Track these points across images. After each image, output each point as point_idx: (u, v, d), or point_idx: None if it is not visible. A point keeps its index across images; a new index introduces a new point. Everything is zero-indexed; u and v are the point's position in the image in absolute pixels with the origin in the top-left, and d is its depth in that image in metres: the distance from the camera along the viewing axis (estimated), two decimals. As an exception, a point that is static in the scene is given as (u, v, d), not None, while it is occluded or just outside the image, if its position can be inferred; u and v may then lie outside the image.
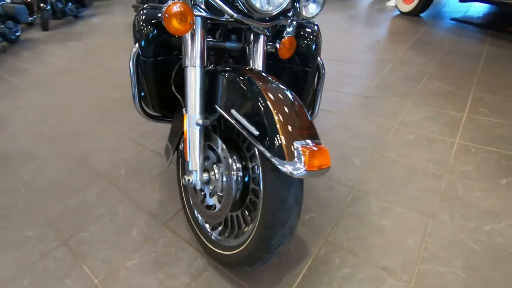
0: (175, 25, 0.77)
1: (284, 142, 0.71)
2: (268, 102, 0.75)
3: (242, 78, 0.83)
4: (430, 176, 1.35)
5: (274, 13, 0.89)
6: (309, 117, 0.79)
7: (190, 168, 0.91)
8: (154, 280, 1.04)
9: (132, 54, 1.11)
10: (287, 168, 0.69)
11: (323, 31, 3.52)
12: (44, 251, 1.20)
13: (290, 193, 0.78)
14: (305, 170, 0.68)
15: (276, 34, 1.12)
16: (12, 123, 2.30)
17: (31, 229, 1.31)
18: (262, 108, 0.75)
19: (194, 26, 0.85)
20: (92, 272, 1.09)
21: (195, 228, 1.13)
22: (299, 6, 0.96)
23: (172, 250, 1.14)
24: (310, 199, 1.30)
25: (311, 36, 1.18)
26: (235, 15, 0.86)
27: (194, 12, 0.84)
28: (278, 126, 0.72)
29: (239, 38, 1.12)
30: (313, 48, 1.17)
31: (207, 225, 1.09)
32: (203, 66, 0.89)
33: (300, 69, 1.21)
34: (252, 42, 1.01)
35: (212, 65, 1.32)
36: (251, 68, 0.95)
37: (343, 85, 2.26)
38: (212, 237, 1.05)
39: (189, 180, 0.91)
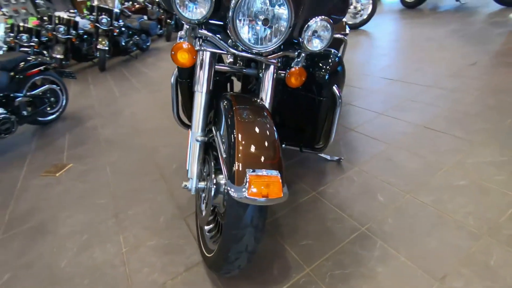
0: (180, 59, 0.97)
1: (238, 168, 0.81)
2: (239, 133, 0.86)
3: (230, 107, 0.95)
4: (464, 232, 1.15)
5: (269, 50, 0.98)
6: (276, 150, 0.86)
7: (188, 175, 1.09)
8: (160, 262, 1.27)
9: (173, 75, 1.38)
10: (232, 191, 0.78)
11: (413, 48, 3.20)
12: (103, 218, 1.59)
13: (246, 214, 0.86)
14: (245, 196, 0.76)
15: (288, 62, 1.18)
16: (122, 116, 3.00)
17: (102, 198, 1.75)
18: (233, 138, 0.86)
19: (203, 58, 1.03)
20: (124, 242, 1.41)
21: (198, 227, 1.31)
22: (302, 41, 1.02)
23: (181, 242, 1.35)
24: (313, 224, 1.30)
25: (327, 66, 1.20)
26: (234, 51, 0.99)
27: (203, 47, 1.01)
28: (238, 154, 0.82)
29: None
30: (327, 77, 1.18)
31: (206, 227, 1.26)
32: (208, 92, 1.06)
33: (313, 97, 1.24)
34: (263, 70, 1.11)
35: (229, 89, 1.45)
36: (250, 98, 1.04)
37: (404, 112, 2.05)
38: (206, 237, 1.21)
39: (185, 185, 1.09)
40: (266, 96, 1.10)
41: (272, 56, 1.06)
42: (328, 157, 1.71)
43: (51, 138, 2.81)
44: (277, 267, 1.15)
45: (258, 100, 1.05)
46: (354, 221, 1.29)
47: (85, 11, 6.19)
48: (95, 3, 5.25)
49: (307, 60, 1.27)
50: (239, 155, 0.82)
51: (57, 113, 3.25)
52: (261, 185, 0.77)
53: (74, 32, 5.30)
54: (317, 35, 1.03)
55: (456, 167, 1.48)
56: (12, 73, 2.70)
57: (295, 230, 1.30)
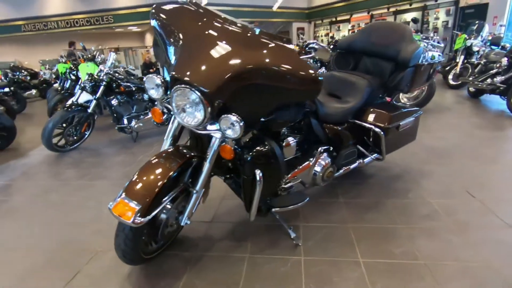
0: (154, 119, 1.38)
1: (120, 193, 1.24)
2: (138, 172, 1.30)
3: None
4: None
5: (200, 127, 1.24)
6: (150, 190, 1.22)
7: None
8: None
9: None
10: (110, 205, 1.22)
11: (434, 158, 3.02)
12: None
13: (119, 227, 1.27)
14: (109, 207, 1.21)
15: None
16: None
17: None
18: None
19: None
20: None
21: None
22: (220, 129, 1.22)
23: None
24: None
25: (252, 150, 1.37)
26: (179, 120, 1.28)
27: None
28: (127, 185, 1.26)
29: None
30: (249, 159, 1.37)
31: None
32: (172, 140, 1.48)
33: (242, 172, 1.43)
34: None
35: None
36: (178, 152, 1.42)
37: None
38: None
39: None
40: (210, 154, 1.31)
41: (206, 132, 1.29)
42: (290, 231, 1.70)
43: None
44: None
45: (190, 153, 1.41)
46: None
47: None
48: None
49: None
50: (128, 186, 1.25)
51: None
52: (122, 207, 1.17)
53: None
54: (226, 127, 1.20)
55: None
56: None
57: None
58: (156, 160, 1.34)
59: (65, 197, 2.40)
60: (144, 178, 1.26)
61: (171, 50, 1.30)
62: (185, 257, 1.57)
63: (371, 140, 1.98)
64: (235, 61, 1.16)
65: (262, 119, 1.41)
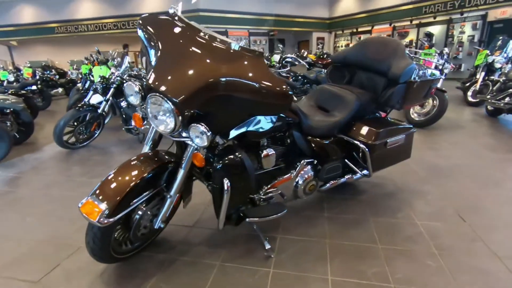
0: (135, 124, 1.45)
1: (90, 193, 1.30)
2: (111, 173, 1.36)
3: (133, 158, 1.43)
4: None
5: (175, 134, 1.31)
6: (118, 193, 1.27)
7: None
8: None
9: None
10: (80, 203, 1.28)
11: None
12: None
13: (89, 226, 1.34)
14: (79, 205, 1.26)
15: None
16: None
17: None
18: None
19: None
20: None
21: None
22: (190, 137, 1.28)
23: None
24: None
25: (222, 159, 1.41)
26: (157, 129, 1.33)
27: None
28: (98, 185, 1.32)
29: None
30: (218, 167, 1.40)
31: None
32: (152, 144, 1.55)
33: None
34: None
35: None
36: (156, 155, 1.48)
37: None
38: None
39: None
40: (184, 160, 1.38)
41: (180, 139, 1.35)
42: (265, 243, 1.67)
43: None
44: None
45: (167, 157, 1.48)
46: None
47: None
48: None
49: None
50: (99, 187, 1.30)
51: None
52: (89, 207, 1.23)
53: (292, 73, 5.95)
54: (195, 136, 1.25)
55: None
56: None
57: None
58: (131, 162, 1.40)
59: (66, 192, 2.53)
60: (115, 180, 1.32)
61: (151, 59, 1.36)
62: (159, 260, 1.60)
63: (360, 155, 1.95)
64: (204, 73, 1.20)
65: (237, 130, 1.44)
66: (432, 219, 1.92)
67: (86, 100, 3.87)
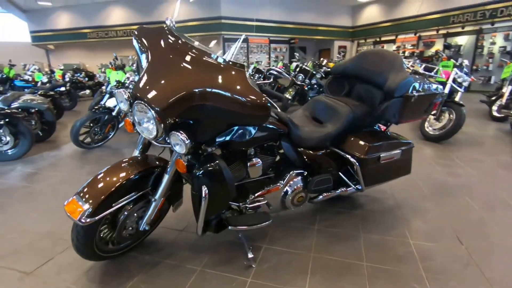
0: (126, 129, 1.49)
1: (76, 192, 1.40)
2: (97, 174, 1.44)
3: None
4: None
5: (160, 140, 1.40)
6: (101, 193, 1.35)
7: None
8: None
9: None
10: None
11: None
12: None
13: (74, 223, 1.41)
14: (64, 204, 1.36)
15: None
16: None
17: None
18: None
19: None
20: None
21: None
22: (171, 144, 1.34)
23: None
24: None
25: (202, 167, 1.43)
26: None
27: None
28: (84, 185, 1.41)
29: None
30: (197, 174, 1.44)
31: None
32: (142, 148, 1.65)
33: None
34: None
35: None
36: (144, 160, 1.60)
37: None
38: None
39: None
40: (169, 165, 1.47)
41: (164, 145, 1.46)
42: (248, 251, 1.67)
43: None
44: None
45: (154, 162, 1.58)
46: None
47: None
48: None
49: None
50: (85, 187, 1.40)
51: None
52: (72, 206, 1.32)
53: (307, 81, 6.11)
54: (175, 143, 1.30)
55: None
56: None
57: None
58: (118, 165, 1.47)
59: (75, 189, 2.65)
60: (100, 181, 1.39)
61: (142, 68, 1.43)
62: (145, 261, 1.66)
63: (354, 169, 1.92)
64: (185, 84, 1.25)
65: (220, 138, 1.47)
66: (427, 239, 1.84)
67: (102, 103, 4.08)
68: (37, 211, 2.26)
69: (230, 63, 1.33)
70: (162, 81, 1.28)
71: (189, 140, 1.26)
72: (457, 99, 4.22)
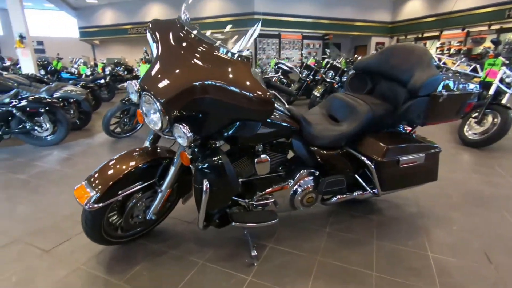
0: (138, 120, 1.46)
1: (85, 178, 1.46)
2: (106, 162, 1.51)
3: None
4: None
5: (166, 131, 1.36)
6: (108, 179, 1.40)
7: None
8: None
9: None
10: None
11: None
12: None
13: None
14: (73, 193, 1.41)
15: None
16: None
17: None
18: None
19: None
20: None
21: None
22: (174, 136, 1.34)
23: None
24: None
25: (205, 161, 1.42)
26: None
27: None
28: (93, 172, 1.47)
29: None
30: (200, 167, 1.44)
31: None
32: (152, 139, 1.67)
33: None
34: None
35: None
36: (146, 151, 1.62)
37: None
38: None
39: None
40: (176, 157, 1.49)
41: (171, 137, 1.41)
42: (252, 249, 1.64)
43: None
44: None
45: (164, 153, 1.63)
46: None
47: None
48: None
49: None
50: (94, 173, 1.46)
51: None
52: (81, 191, 1.39)
53: (338, 78, 6.06)
54: (178, 135, 1.30)
55: None
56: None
57: None
58: (127, 154, 1.52)
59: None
60: (108, 168, 1.44)
61: (153, 60, 1.45)
62: (151, 249, 1.70)
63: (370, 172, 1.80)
64: (189, 77, 1.24)
65: (226, 132, 1.45)
66: (448, 253, 1.67)
67: (132, 95, 4.26)
68: (65, 194, 2.42)
69: (237, 56, 1.30)
70: (168, 74, 1.29)
71: (191, 133, 1.25)
72: (504, 101, 3.81)
